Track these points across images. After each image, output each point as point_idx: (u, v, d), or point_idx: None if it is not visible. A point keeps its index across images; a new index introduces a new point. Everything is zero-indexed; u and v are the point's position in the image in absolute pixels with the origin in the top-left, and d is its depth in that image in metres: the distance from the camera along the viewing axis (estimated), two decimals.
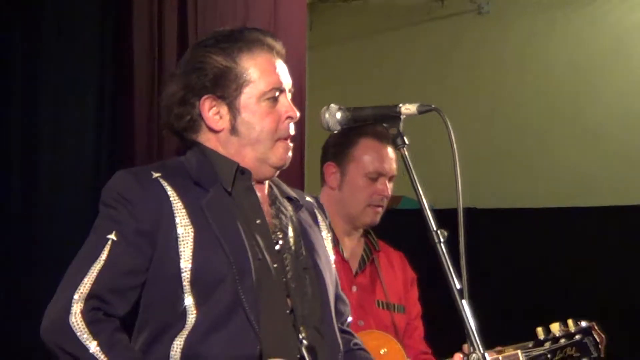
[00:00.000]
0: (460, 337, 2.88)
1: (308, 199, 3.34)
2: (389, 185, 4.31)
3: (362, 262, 4.35)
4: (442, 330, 3.93)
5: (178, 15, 5.24)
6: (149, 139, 5.15)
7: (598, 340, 3.25)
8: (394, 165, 4.30)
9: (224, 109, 3.10)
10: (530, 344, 3.73)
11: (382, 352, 4.10)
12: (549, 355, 3.22)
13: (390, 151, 4.26)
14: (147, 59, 5.17)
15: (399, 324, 4.28)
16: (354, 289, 4.27)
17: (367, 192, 4.27)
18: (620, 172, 8.19)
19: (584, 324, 3.35)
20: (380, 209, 4.30)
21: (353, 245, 4.36)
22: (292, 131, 3.14)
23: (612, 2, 8.56)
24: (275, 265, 3.06)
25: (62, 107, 5.08)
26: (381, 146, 4.27)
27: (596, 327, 3.48)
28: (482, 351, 2.76)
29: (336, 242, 4.09)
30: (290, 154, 3.15)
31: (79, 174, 5.09)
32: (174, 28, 5.22)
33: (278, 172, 3.19)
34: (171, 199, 3.01)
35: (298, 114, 3.15)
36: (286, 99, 3.14)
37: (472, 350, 2.77)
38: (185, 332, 2.97)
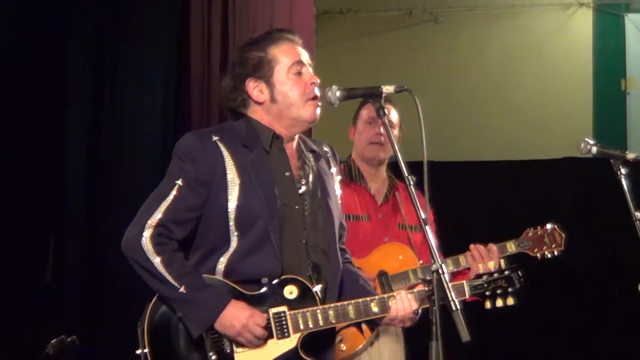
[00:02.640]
0: None
1: (325, 148, 3.29)
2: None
3: (385, 197, 4.28)
4: None
5: (221, 18, 5.27)
6: (201, 105, 5.19)
7: (521, 275, 3.24)
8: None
9: (263, 86, 3.08)
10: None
11: (400, 257, 4.12)
12: (485, 285, 3.22)
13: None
14: (200, 48, 5.21)
15: (414, 240, 4.22)
16: (379, 215, 4.24)
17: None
18: (536, 135, 8.21)
19: (512, 264, 3.34)
20: None
21: (378, 186, 4.30)
22: (317, 92, 3.10)
23: (532, 14, 8.55)
24: (297, 207, 3.06)
25: (139, 84, 5.20)
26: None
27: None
28: (439, 262, 2.74)
29: (365, 185, 4.23)
30: (318, 110, 3.11)
31: (152, 130, 5.18)
32: (219, 28, 5.29)
33: (311, 126, 3.16)
34: (225, 157, 3.00)
35: (318, 80, 3.12)
36: (308, 71, 3.11)
37: (432, 262, 2.75)
38: (228, 254, 2.99)
